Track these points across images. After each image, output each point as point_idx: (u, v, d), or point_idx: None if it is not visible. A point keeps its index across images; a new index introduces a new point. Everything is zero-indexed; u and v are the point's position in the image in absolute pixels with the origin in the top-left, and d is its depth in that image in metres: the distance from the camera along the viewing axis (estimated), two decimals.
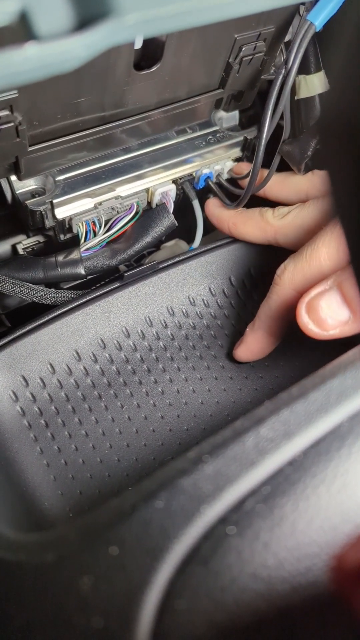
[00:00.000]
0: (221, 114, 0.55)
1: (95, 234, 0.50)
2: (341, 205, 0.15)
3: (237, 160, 0.56)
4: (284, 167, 0.53)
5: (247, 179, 0.52)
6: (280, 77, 0.46)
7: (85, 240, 0.50)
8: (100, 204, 0.49)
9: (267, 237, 0.51)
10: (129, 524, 0.28)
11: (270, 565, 0.26)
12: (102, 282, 0.51)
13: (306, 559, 0.26)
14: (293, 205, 0.51)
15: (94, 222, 0.49)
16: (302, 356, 0.53)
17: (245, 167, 0.56)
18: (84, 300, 0.49)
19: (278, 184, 0.53)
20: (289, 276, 0.46)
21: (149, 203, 0.53)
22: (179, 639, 0.25)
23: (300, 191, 0.52)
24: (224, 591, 0.25)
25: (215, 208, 0.55)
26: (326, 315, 0.42)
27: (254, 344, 0.50)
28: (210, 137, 0.54)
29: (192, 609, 0.25)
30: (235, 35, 0.44)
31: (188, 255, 0.52)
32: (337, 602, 0.23)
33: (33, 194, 0.48)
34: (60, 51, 0.24)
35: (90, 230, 0.50)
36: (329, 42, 0.47)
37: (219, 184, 0.56)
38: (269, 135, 0.48)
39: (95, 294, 0.49)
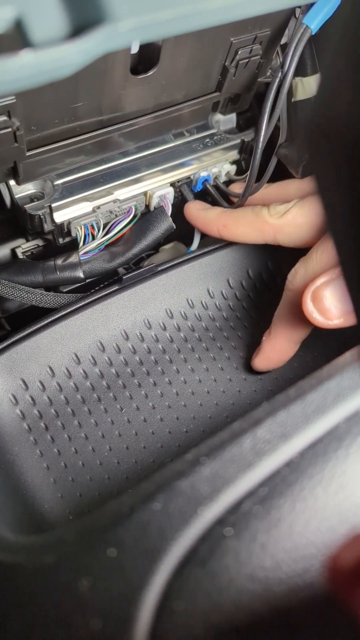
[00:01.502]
0: (218, 116, 0.55)
1: (93, 238, 0.50)
2: (331, 208, 0.15)
3: (235, 162, 0.56)
4: (281, 173, 0.53)
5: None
6: (277, 79, 0.47)
7: (83, 244, 0.50)
8: (98, 207, 0.49)
9: (265, 237, 0.49)
10: (127, 526, 0.28)
11: (268, 566, 0.26)
12: (101, 285, 0.51)
13: (303, 560, 0.26)
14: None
15: (92, 226, 0.50)
16: (301, 358, 0.53)
17: (239, 187, 0.56)
18: (83, 303, 0.49)
19: (279, 192, 0.53)
20: (300, 281, 0.46)
21: (147, 206, 0.53)
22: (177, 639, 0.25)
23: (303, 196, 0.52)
24: (221, 592, 0.26)
25: (198, 211, 0.52)
26: (330, 305, 0.43)
27: (272, 352, 0.50)
28: (207, 140, 0.54)
29: (189, 610, 0.25)
30: (231, 39, 0.45)
31: (186, 257, 0.53)
32: (334, 603, 0.23)
33: (32, 198, 0.48)
34: (55, 58, 0.25)
35: (88, 233, 0.50)
36: (324, 45, 0.48)
37: (216, 187, 0.56)
38: (266, 138, 0.48)
39: (94, 297, 0.49)
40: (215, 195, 0.56)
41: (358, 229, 0.14)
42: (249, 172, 0.50)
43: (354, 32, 0.16)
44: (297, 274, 0.46)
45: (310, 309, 0.43)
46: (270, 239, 0.49)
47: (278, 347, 0.49)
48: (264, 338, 0.50)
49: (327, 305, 0.43)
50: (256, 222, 0.49)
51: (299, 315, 0.47)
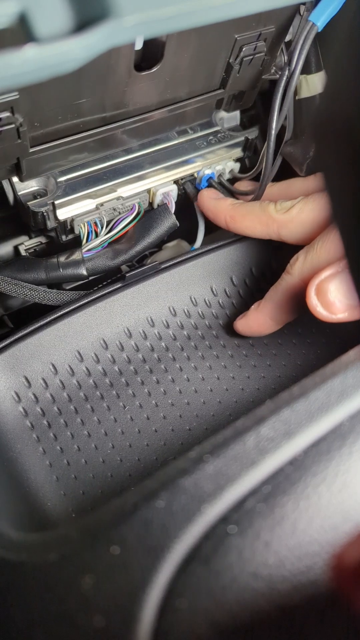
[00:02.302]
0: (222, 114, 0.55)
1: (97, 235, 0.50)
2: (337, 203, 0.15)
3: (239, 160, 0.56)
4: (285, 172, 0.53)
5: (249, 189, 0.52)
6: (285, 78, 0.47)
7: (87, 241, 0.50)
8: (101, 204, 0.49)
9: (270, 232, 0.50)
10: (130, 523, 0.28)
11: (271, 564, 0.26)
12: (104, 283, 0.51)
13: (307, 557, 0.26)
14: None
15: (95, 223, 0.50)
16: (305, 356, 0.53)
17: (246, 185, 0.56)
18: (86, 300, 0.49)
19: (283, 191, 0.53)
20: (299, 266, 0.46)
21: (151, 203, 0.53)
22: (180, 637, 0.25)
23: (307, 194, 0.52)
24: (225, 590, 0.26)
25: (210, 200, 0.53)
26: (334, 299, 0.43)
27: (254, 322, 0.51)
28: (211, 137, 0.54)
29: (193, 608, 0.25)
30: (236, 36, 0.44)
31: (190, 255, 0.52)
32: (338, 600, 0.23)
33: (35, 195, 0.48)
34: (59, 53, 0.24)
35: (92, 231, 0.50)
36: (327, 41, 0.47)
37: (220, 184, 0.56)
38: (275, 136, 0.48)
39: (97, 295, 0.49)
40: (222, 192, 0.55)
41: None
42: (262, 171, 0.50)
43: None
44: (297, 260, 0.47)
45: (314, 303, 0.43)
46: (274, 235, 0.50)
47: (260, 321, 0.50)
48: (252, 306, 0.51)
49: (332, 299, 0.43)
50: (262, 216, 0.49)
51: (289, 300, 0.48)
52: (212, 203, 0.53)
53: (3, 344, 0.46)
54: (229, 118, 0.56)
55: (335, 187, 0.15)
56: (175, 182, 0.53)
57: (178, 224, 0.52)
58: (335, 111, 0.14)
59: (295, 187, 0.52)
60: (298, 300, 0.47)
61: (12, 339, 0.47)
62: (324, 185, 0.15)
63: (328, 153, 0.15)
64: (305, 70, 0.49)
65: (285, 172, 0.54)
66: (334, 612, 0.25)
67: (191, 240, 0.57)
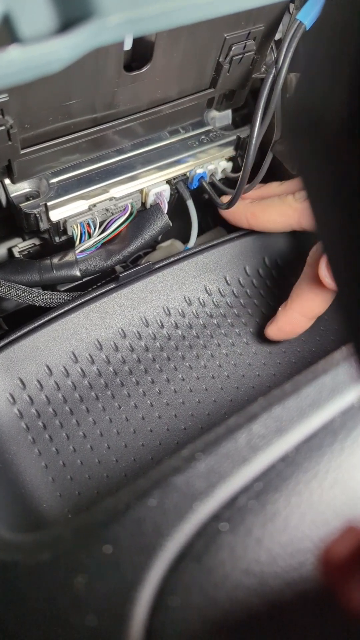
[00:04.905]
0: (214, 113, 0.55)
1: (90, 236, 0.50)
2: (315, 199, 0.15)
3: (231, 159, 0.56)
4: (277, 170, 0.53)
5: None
6: (271, 76, 0.47)
7: (80, 242, 0.50)
8: (94, 205, 0.49)
9: (291, 221, 0.50)
10: (122, 522, 0.28)
11: (263, 561, 0.26)
12: (98, 284, 0.51)
13: (299, 554, 0.26)
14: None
15: (88, 224, 0.50)
16: (299, 354, 0.53)
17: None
18: (80, 301, 0.49)
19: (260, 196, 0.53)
20: (319, 256, 0.46)
21: (143, 204, 0.53)
22: (172, 635, 0.25)
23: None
24: (217, 587, 0.26)
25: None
26: None
27: (285, 323, 0.50)
28: (203, 136, 0.54)
29: (185, 605, 0.25)
30: (225, 35, 0.44)
31: (183, 255, 0.53)
32: (329, 594, 0.23)
33: (27, 197, 0.48)
34: (43, 53, 0.24)
35: (85, 232, 0.50)
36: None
37: (212, 184, 0.56)
38: (260, 134, 0.48)
39: (91, 296, 0.49)
40: (211, 192, 0.55)
41: (341, 219, 0.14)
42: (242, 170, 0.50)
43: (332, 26, 0.16)
44: (317, 250, 0.47)
45: (324, 273, 0.44)
46: (295, 224, 0.50)
47: (292, 320, 0.50)
48: (280, 309, 0.51)
49: None
50: (282, 207, 0.50)
51: (316, 291, 0.48)
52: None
53: None
54: (221, 117, 0.56)
55: (311, 183, 0.15)
56: (168, 182, 0.53)
57: (171, 224, 0.52)
58: (307, 105, 0.14)
59: (271, 189, 0.53)
60: (324, 288, 0.47)
61: (6, 340, 0.47)
62: (301, 180, 0.15)
63: (302, 148, 0.15)
64: (295, 68, 0.49)
65: (279, 171, 0.54)
66: (326, 608, 0.25)
67: (185, 240, 0.57)
